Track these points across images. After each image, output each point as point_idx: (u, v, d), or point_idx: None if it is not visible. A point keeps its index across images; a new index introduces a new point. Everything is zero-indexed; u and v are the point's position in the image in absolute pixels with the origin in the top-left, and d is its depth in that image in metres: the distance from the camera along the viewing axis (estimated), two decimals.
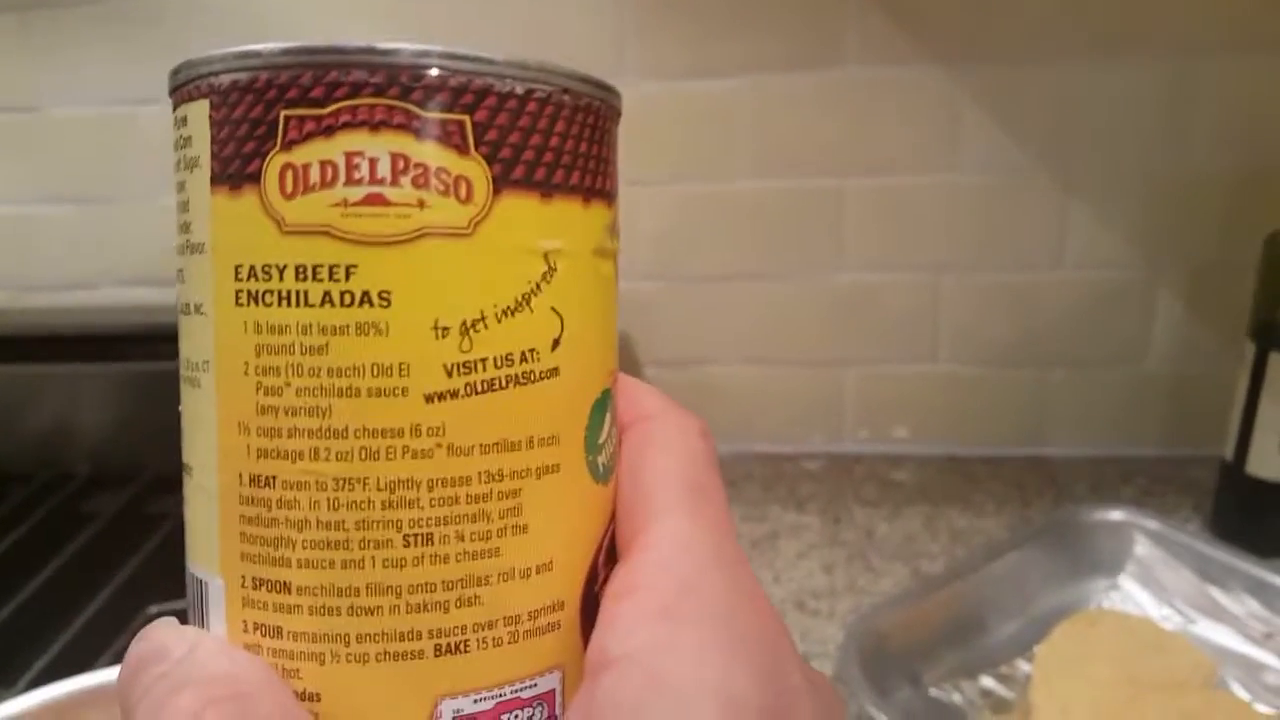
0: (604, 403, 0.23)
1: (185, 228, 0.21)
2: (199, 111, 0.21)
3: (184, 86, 0.21)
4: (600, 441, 0.23)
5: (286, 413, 0.20)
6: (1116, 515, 0.66)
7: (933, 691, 0.57)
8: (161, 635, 0.21)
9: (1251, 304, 0.67)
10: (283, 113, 0.19)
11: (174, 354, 0.78)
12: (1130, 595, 0.64)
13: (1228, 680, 0.57)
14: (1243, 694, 0.57)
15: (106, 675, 0.49)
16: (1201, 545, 0.63)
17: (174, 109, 0.22)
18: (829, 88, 0.80)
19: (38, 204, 0.92)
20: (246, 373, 0.20)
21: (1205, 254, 0.81)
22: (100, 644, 0.61)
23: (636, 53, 0.81)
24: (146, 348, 0.86)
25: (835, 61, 0.79)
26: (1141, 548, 0.65)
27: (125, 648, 0.61)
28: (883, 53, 0.79)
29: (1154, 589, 0.64)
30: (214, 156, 0.20)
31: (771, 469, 0.87)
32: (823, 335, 0.87)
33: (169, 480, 0.86)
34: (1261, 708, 0.55)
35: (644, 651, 0.19)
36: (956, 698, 0.57)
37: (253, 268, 0.20)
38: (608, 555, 0.23)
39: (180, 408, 0.22)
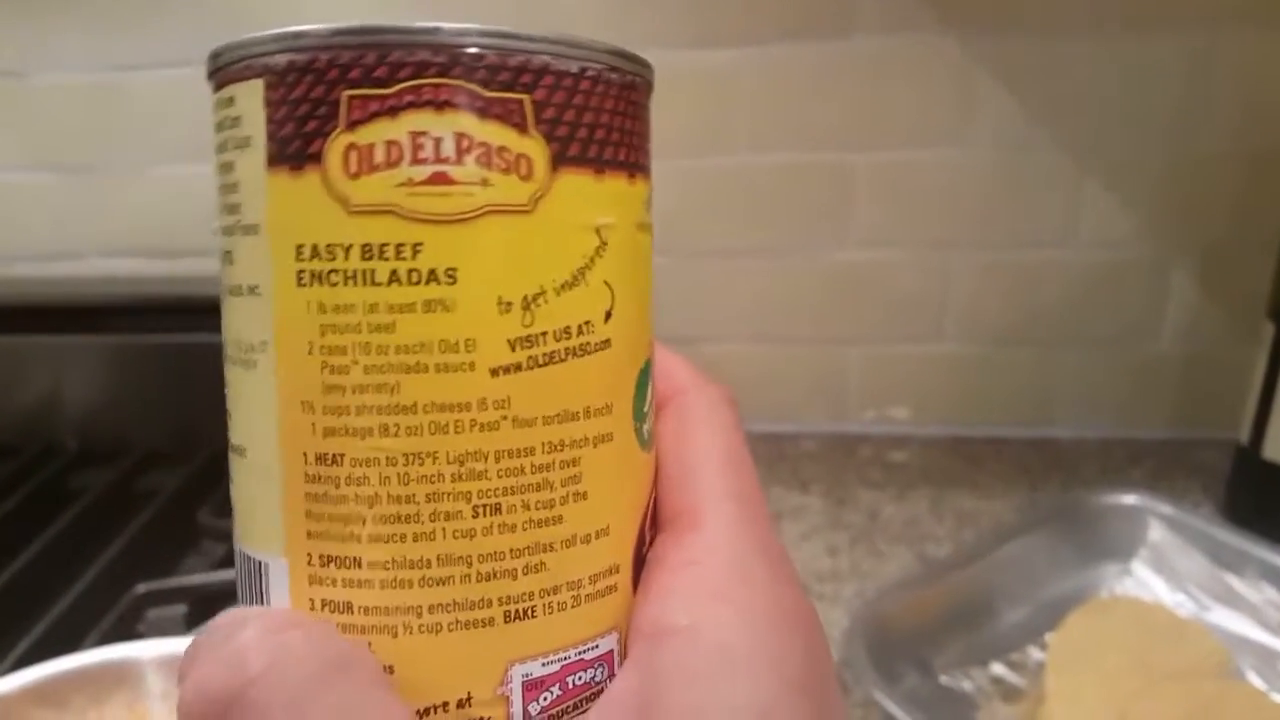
0: (647, 372, 0.23)
1: (234, 209, 0.21)
2: (251, 92, 0.20)
3: (230, 67, 0.21)
4: (645, 410, 0.23)
5: (354, 390, 0.20)
6: (1130, 499, 0.65)
7: (942, 679, 0.56)
8: (224, 613, 0.21)
9: (1271, 284, 0.66)
10: (345, 93, 0.19)
11: (162, 327, 0.76)
12: (1143, 581, 0.63)
13: (1243, 669, 0.56)
14: (1259, 682, 0.55)
15: (92, 657, 0.48)
16: (1217, 531, 0.62)
17: (216, 89, 0.22)
18: (837, 59, 0.78)
19: (23, 172, 0.90)
20: (311, 352, 0.20)
21: (1220, 232, 0.79)
22: (87, 623, 0.59)
23: (640, 21, 0.79)
24: (135, 319, 0.84)
25: (844, 32, 0.78)
26: (1155, 533, 0.64)
27: (114, 626, 0.60)
28: (893, 22, 0.77)
29: (1167, 575, 0.63)
30: (270, 137, 0.20)
31: (774, 449, 0.86)
32: (827, 313, 0.85)
33: (158, 456, 0.85)
34: (1278, 697, 0.54)
35: (708, 623, 0.20)
36: (966, 685, 0.56)
37: (316, 247, 0.20)
38: (652, 520, 0.24)
39: (227, 389, 0.22)
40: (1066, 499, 0.68)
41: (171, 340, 0.81)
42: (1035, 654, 0.58)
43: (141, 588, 0.62)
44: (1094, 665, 0.54)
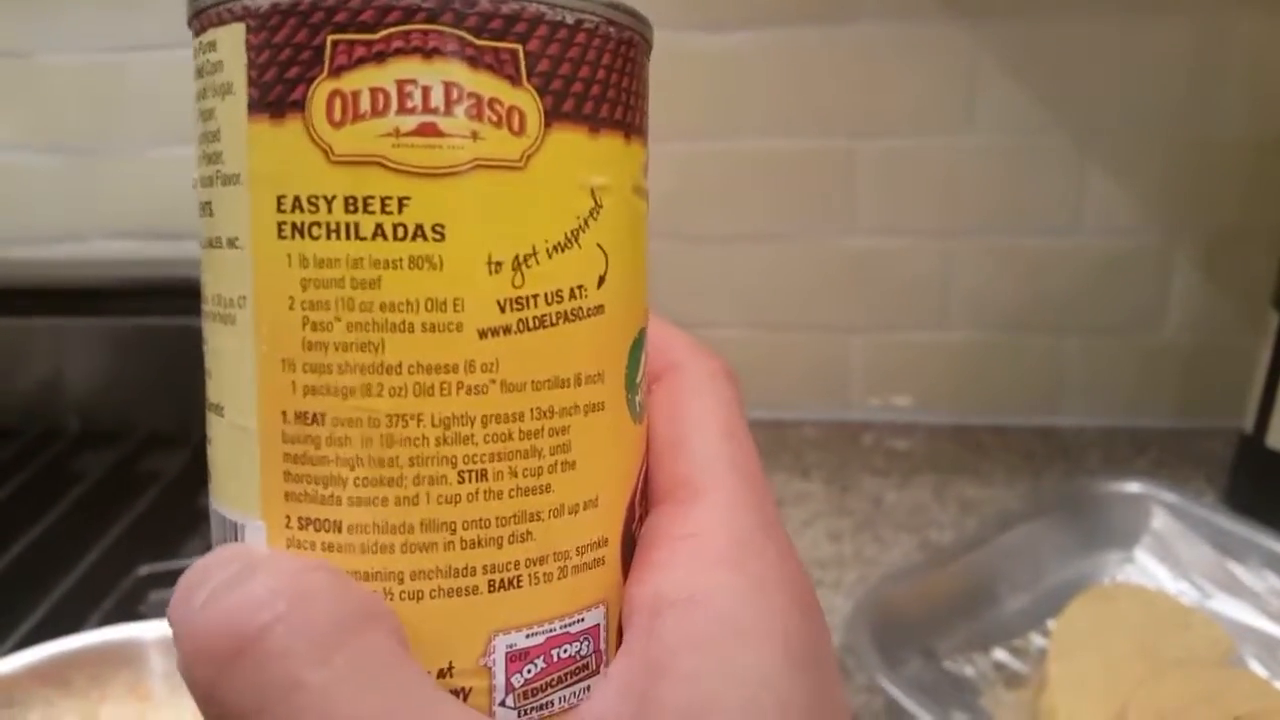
0: (640, 342, 0.23)
1: (214, 158, 0.20)
2: (232, 36, 0.20)
3: (211, 9, 0.20)
4: (638, 381, 0.23)
5: (336, 348, 0.19)
6: (1134, 487, 0.65)
7: (945, 664, 0.56)
8: (219, 551, 0.20)
9: (1277, 272, 0.66)
10: (330, 37, 0.19)
11: (165, 309, 0.76)
12: (1146, 569, 0.63)
13: (1245, 657, 0.56)
14: (1260, 670, 0.56)
15: (94, 637, 0.48)
16: (1221, 519, 0.62)
17: (197, 34, 0.21)
18: (842, 44, 0.78)
19: (26, 153, 0.89)
20: (292, 308, 0.19)
21: (1226, 220, 0.79)
22: (89, 605, 0.60)
23: (644, 2, 0.78)
24: (137, 301, 0.84)
25: (849, 16, 0.77)
26: (1159, 521, 0.64)
27: (116, 607, 0.60)
28: (898, 7, 0.77)
29: (1170, 563, 0.62)
30: (252, 83, 0.19)
31: (775, 436, 0.85)
32: (830, 300, 0.85)
33: (159, 438, 0.85)
34: None
35: (711, 594, 0.20)
36: (969, 671, 0.56)
37: (297, 199, 0.19)
38: (642, 493, 0.23)
39: (205, 345, 0.21)
40: (1070, 486, 0.68)
41: (174, 322, 0.81)
42: (1038, 640, 0.58)
43: (144, 569, 0.62)
44: (1097, 652, 0.54)
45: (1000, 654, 0.57)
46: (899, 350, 0.86)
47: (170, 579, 0.61)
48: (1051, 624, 0.58)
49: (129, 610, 0.60)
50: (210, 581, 0.18)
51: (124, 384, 0.85)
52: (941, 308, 0.84)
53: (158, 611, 0.60)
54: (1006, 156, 0.79)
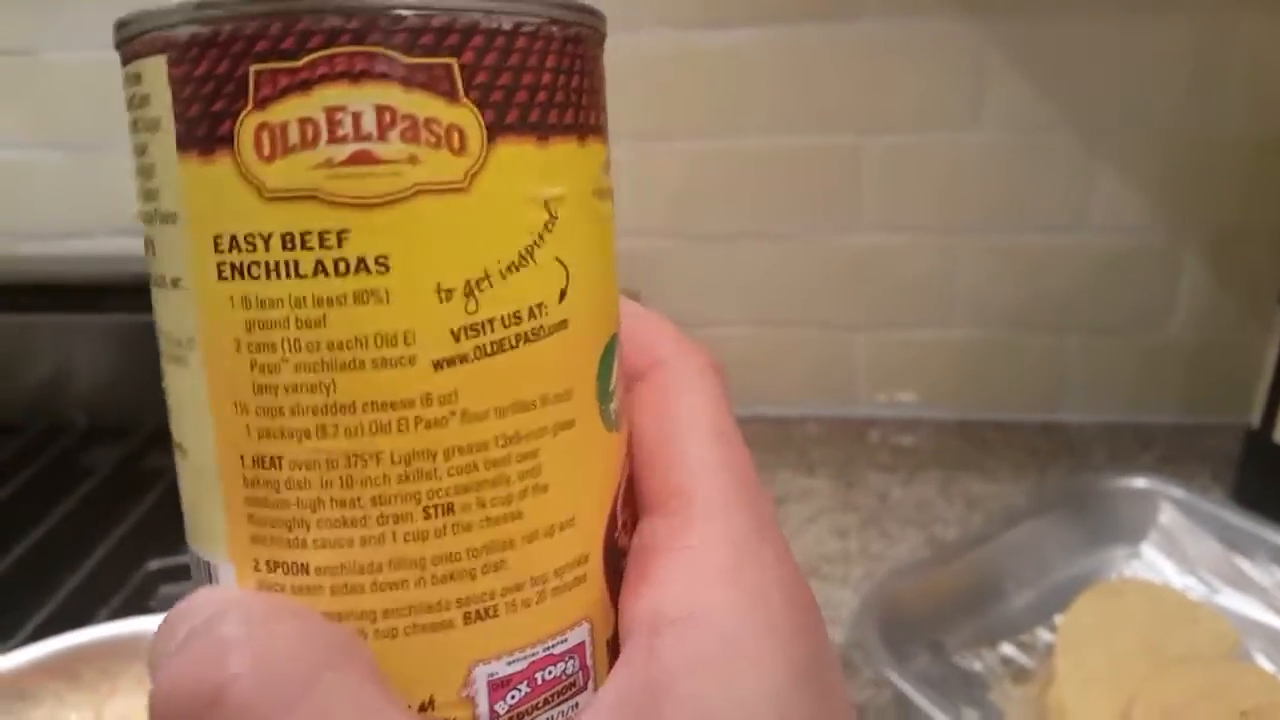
0: (612, 348, 0.22)
1: (151, 195, 0.20)
2: (155, 68, 0.19)
3: (134, 40, 0.19)
4: (611, 389, 0.22)
5: (287, 390, 0.18)
6: (1140, 483, 0.65)
7: (953, 659, 0.56)
8: (194, 596, 0.20)
9: None
10: (252, 67, 0.18)
11: None
12: (1152, 564, 0.63)
13: (1252, 651, 0.57)
14: (1267, 665, 0.56)
15: (103, 631, 0.48)
16: (1228, 514, 0.62)
17: (124, 64, 0.20)
18: (847, 41, 0.78)
19: (32, 149, 0.89)
20: (239, 350, 0.19)
21: (1231, 217, 0.79)
22: (99, 599, 0.60)
23: (646, 2, 0.79)
24: (142, 298, 0.84)
25: (854, 13, 0.77)
26: (1166, 516, 0.64)
27: (125, 603, 0.60)
28: (903, 4, 0.77)
29: (1177, 558, 0.63)
30: (178, 118, 0.18)
31: (780, 432, 0.85)
32: (835, 297, 0.85)
33: (167, 434, 0.85)
34: None
35: (710, 612, 0.19)
36: (976, 666, 0.56)
37: (234, 238, 0.18)
38: (625, 500, 0.22)
39: (164, 384, 0.21)
40: (1076, 482, 0.69)
41: None
42: (1044, 636, 0.59)
43: (153, 564, 0.62)
44: (1104, 647, 0.54)
45: (1008, 649, 0.58)
46: (903, 347, 0.86)
47: (180, 574, 0.62)
48: (1058, 619, 0.58)
49: (139, 605, 0.60)
50: (180, 630, 0.18)
51: (130, 380, 0.85)
52: (946, 304, 0.84)
53: (168, 606, 0.60)
54: (1011, 154, 0.79)
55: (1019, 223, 0.81)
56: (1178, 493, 0.64)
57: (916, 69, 0.78)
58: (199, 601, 0.19)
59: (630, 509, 0.23)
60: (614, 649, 0.22)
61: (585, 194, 0.21)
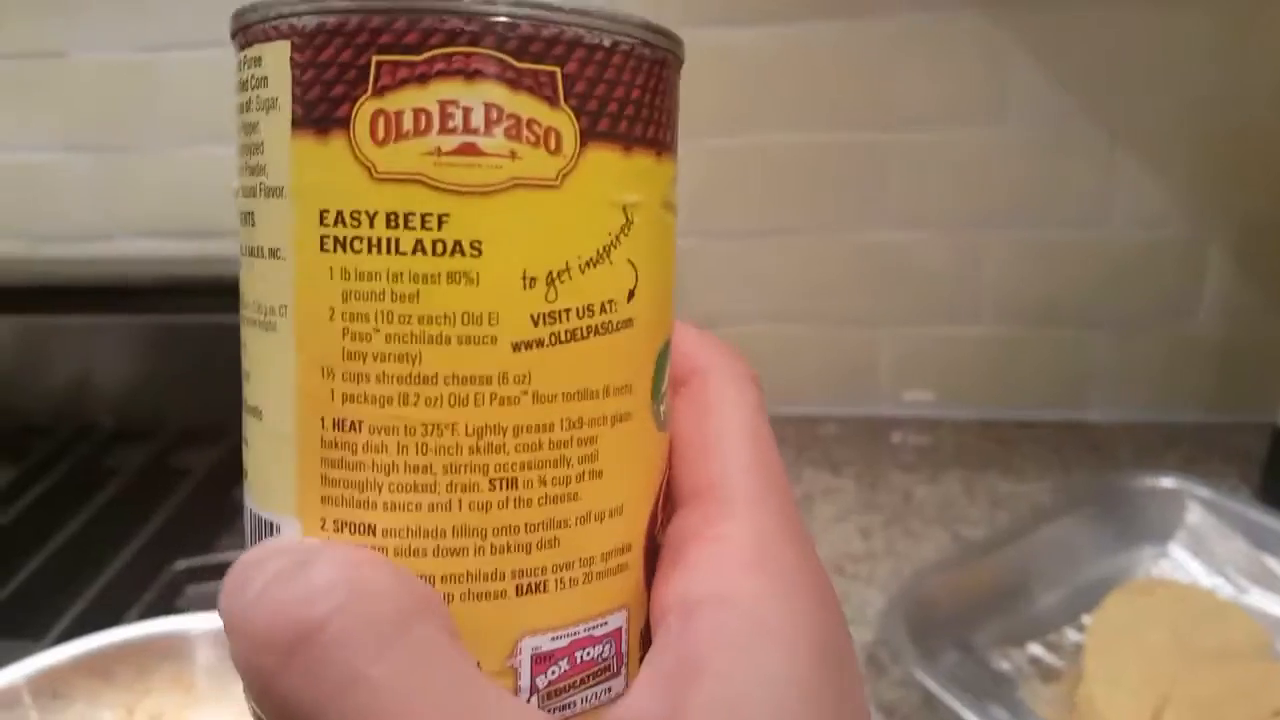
0: (665, 352, 0.23)
1: (257, 170, 0.21)
2: (278, 53, 0.20)
3: (257, 26, 0.21)
4: (663, 390, 0.23)
5: (375, 358, 0.20)
6: (1168, 482, 0.65)
7: (981, 658, 0.56)
8: (270, 543, 0.21)
9: None
10: (375, 58, 0.19)
11: (194, 307, 0.76)
12: (1180, 564, 0.63)
13: None
14: None
15: (138, 630, 0.48)
16: (1257, 514, 0.61)
17: (242, 49, 0.21)
18: (869, 36, 0.78)
19: (57, 152, 0.90)
20: (332, 318, 0.20)
21: (1259, 211, 0.79)
22: (128, 598, 0.60)
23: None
24: (167, 300, 0.84)
25: (876, 9, 0.77)
26: (1194, 515, 0.63)
27: (153, 602, 0.60)
28: None
29: (1205, 558, 0.62)
30: (296, 100, 0.20)
31: (804, 431, 0.85)
32: (857, 294, 0.85)
33: (192, 434, 0.85)
34: None
35: (740, 595, 0.20)
36: (1004, 665, 0.56)
37: (340, 213, 0.20)
38: (664, 499, 0.24)
39: (244, 351, 0.22)
40: (1103, 482, 0.68)
41: (205, 320, 0.81)
42: (1072, 635, 0.58)
43: (181, 564, 0.63)
44: (1133, 647, 0.54)
45: (1035, 648, 0.57)
46: (926, 344, 0.86)
47: (207, 573, 0.62)
48: (1086, 619, 0.58)
49: (168, 604, 0.61)
50: (265, 572, 0.19)
51: (156, 381, 0.86)
52: (969, 301, 0.84)
53: (196, 606, 0.60)
54: (1035, 148, 0.79)
55: (1042, 217, 0.81)
56: (1205, 492, 0.63)
57: (941, 64, 0.78)
58: (277, 547, 0.20)
59: (669, 508, 0.24)
60: (646, 641, 0.22)
61: (657, 205, 0.22)
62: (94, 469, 0.79)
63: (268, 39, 0.20)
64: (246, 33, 0.21)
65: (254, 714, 0.20)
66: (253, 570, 0.19)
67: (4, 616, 0.60)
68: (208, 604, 0.59)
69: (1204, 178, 0.78)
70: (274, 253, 0.21)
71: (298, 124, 0.20)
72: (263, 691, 0.18)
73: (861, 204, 0.82)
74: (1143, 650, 0.54)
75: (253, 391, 0.22)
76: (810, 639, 0.20)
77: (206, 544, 0.68)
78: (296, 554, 0.19)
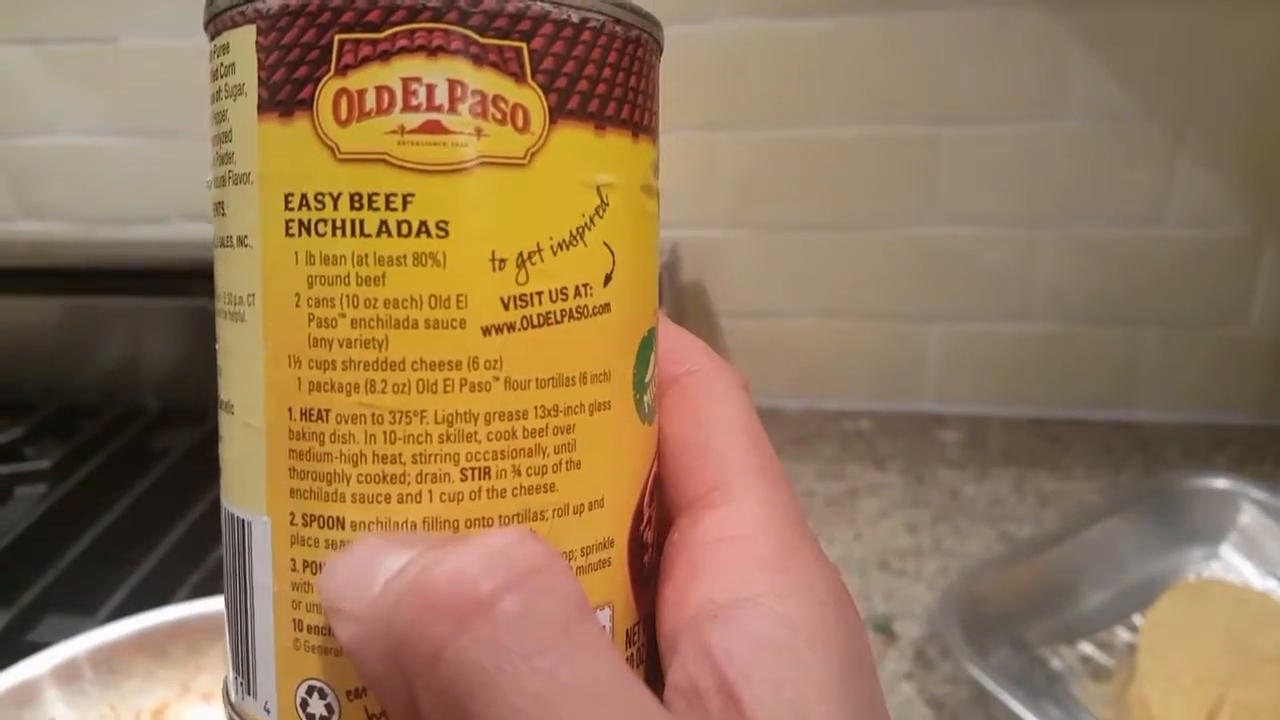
0: (649, 342, 0.23)
1: (226, 158, 0.21)
2: (244, 38, 0.20)
3: (225, 13, 0.21)
4: (646, 381, 0.23)
5: (341, 345, 0.19)
6: (1221, 483, 0.64)
7: (1033, 655, 0.56)
8: (396, 534, 0.20)
9: None
10: (337, 37, 0.19)
11: None
12: (1232, 565, 0.62)
13: None
14: None
15: (192, 609, 0.48)
16: None
17: (212, 38, 0.21)
18: (926, 29, 0.77)
19: (109, 135, 0.90)
20: (298, 304, 0.20)
21: None
22: (178, 578, 0.60)
23: None
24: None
25: (934, 2, 0.76)
26: (1247, 517, 0.63)
27: (201, 582, 0.60)
28: None
29: (1258, 560, 0.62)
30: (262, 83, 0.20)
31: (849, 426, 0.85)
32: (906, 289, 0.84)
33: None
34: None
35: (767, 596, 0.20)
36: (1055, 663, 0.56)
37: (304, 196, 0.19)
38: (651, 496, 0.23)
39: (217, 344, 0.22)
40: (1155, 482, 0.68)
41: None
42: (1122, 634, 0.58)
43: None
44: (1188, 647, 0.53)
45: (1086, 647, 0.57)
46: (975, 341, 0.85)
47: None
48: (1137, 618, 0.58)
49: (216, 586, 0.61)
50: (413, 546, 0.18)
51: (202, 365, 0.85)
52: (1020, 299, 0.83)
53: None
54: (1092, 144, 0.78)
55: (1099, 215, 0.80)
56: (1259, 494, 0.63)
57: (997, 58, 0.77)
58: (406, 540, 0.19)
59: (656, 506, 0.23)
60: (633, 639, 0.22)
61: (635, 188, 0.22)
62: (141, 450, 0.80)
63: (234, 25, 0.20)
64: (216, 21, 0.21)
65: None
66: (401, 542, 0.19)
67: (56, 593, 0.61)
68: None
69: (1262, 179, 0.77)
70: (242, 240, 0.20)
71: (263, 107, 0.20)
72: (432, 660, 0.17)
73: (914, 198, 0.82)
74: (1197, 651, 0.53)
75: (224, 385, 0.22)
76: (838, 642, 0.20)
77: None
78: (443, 537, 0.19)
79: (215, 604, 0.49)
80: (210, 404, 0.76)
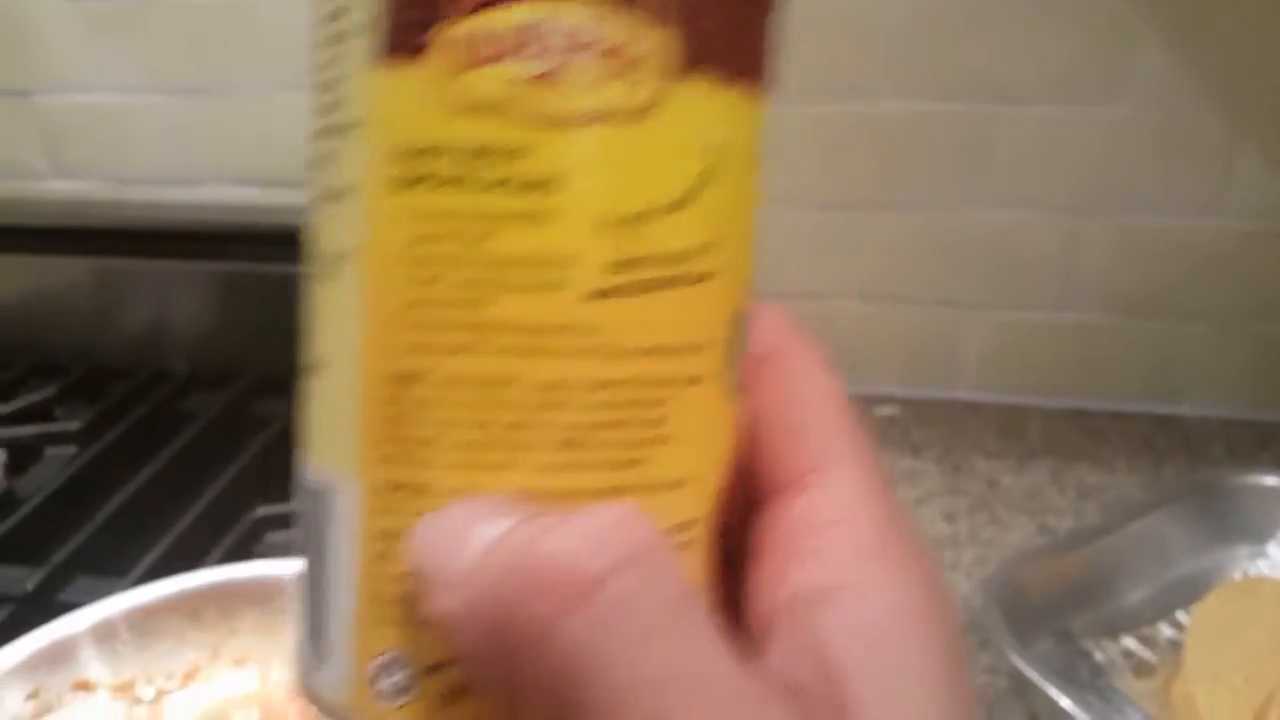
0: (743, 316, 0.22)
1: (331, 108, 0.20)
2: None
3: None
4: (737, 357, 0.22)
5: (440, 305, 0.19)
6: (1270, 480, 0.63)
7: (1075, 647, 0.55)
8: (486, 499, 0.19)
9: None
10: None
11: (276, 256, 0.75)
12: (1278, 564, 0.61)
13: None
14: None
15: (228, 573, 0.48)
16: None
17: None
18: (989, 5, 0.75)
19: (142, 93, 0.89)
20: (400, 262, 0.19)
21: None
22: (208, 542, 0.60)
23: None
24: (248, 247, 0.84)
25: None
26: None
27: (233, 547, 0.60)
28: None
29: None
30: (374, 28, 0.19)
31: (882, 412, 0.84)
32: (949, 274, 0.83)
33: (269, 384, 0.85)
34: None
35: (872, 581, 0.20)
36: (1098, 656, 0.55)
37: (413, 148, 0.18)
38: (732, 478, 0.22)
39: (309, 303, 0.21)
40: (1200, 477, 0.67)
41: (285, 270, 0.81)
42: (1166, 631, 0.57)
43: (261, 510, 0.63)
44: (1236, 645, 0.53)
45: (1129, 642, 0.56)
46: (1017, 329, 0.84)
47: (287, 521, 0.62)
48: (1181, 615, 0.57)
49: (247, 549, 0.61)
50: (511, 514, 0.18)
51: (232, 329, 0.86)
52: (1064, 287, 0.82)
53: (275, 552, 0.60)
54: (1150, 132, 0.76)
55: (1150, 204, 0.78)
56: None
57: (1060, 38, 0.75)
58: (495, 502, 0.18)
59: (736, 490, 0.22)
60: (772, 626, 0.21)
61: (746, 154, 0.21)
62: (170, 414, 0.79)
63: None
64: None
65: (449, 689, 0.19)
66: (486, 511, 0.18)
67: (87, 554, 0.61)
68: (286, 552, 0.59)
69: None
70: (343, 194, 0.20)
71: (375, 54, 0.19)
72: (537, 640, 0.16)
73: (963, 180, 0.79)
74: (1245, 649, 0.52)
75: (316, 344, 0.21)
76: (941, 630, 0.20)
77: (286, 493, 0.68)
78: (537, 510, 0.18)
79: (250, 569, 0.49)
80: (240, 368, 0.76)
